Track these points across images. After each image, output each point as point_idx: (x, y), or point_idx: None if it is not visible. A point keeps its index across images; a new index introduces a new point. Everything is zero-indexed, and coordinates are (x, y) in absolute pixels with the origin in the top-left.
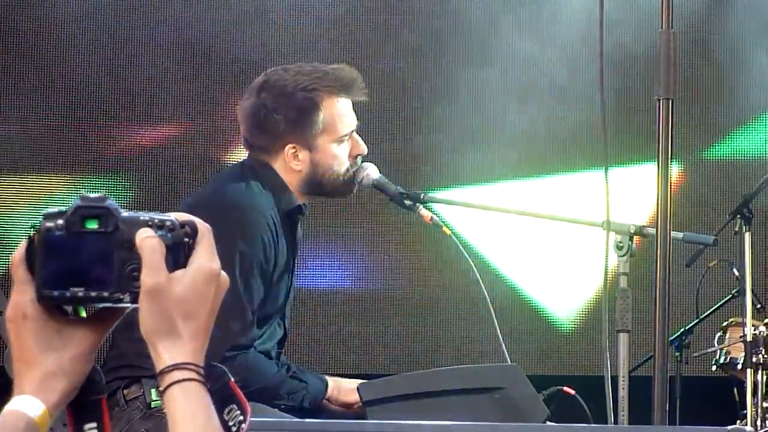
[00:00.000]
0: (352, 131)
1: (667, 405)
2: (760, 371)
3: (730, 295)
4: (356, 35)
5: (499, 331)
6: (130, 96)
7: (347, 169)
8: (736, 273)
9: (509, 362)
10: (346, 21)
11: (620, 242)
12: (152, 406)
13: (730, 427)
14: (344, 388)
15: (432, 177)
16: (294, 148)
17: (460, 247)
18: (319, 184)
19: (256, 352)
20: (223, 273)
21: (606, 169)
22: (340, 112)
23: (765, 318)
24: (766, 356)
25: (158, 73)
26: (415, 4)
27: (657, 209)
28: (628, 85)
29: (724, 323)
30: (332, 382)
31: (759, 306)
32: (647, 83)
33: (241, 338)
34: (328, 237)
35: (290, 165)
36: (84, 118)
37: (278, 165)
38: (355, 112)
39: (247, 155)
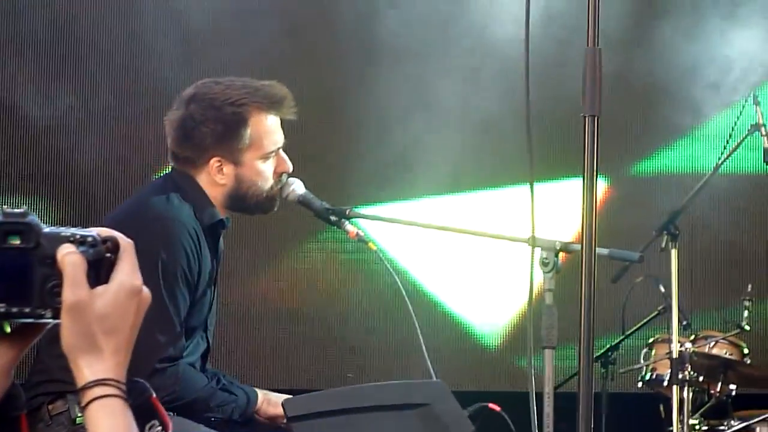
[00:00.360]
0: (279, 148)
1: (593, 422)
2: (686, 388)
3: (656, 312)
4: (284, 51)
5: (424, 347)
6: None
7: (271, 186)
8: (662, 289)
9: (434, 378)
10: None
11: (546, 258)
12: (77, 422)
13: None
14: (273, 401)
15: (358, 194)
16: (219, 161)
17: (385, 262)
18: (242, 199)
19: (186, 364)
20: (146, 288)
21: (531, 185)
22: (267, 129)
23: (691, 335)
24: (692, 373)
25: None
26: (340, 19)
27: (582, 225)
28: (554, 100)
29: (651, 339)
30: (261, 394)
31: (685, 323)
32: (574, 99)
33: (170, 349)
34: (253, 250)
35: (215, 178)
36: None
37: (202, 178)
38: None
39: (171, 167)
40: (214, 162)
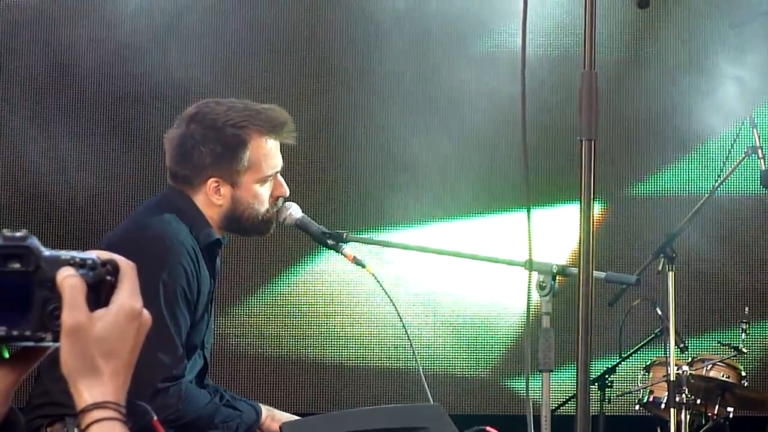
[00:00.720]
0: (277, 172)
1: None
2: (683, 411)
3: (653, 335)
4: (282, 74)
5: (421, 370)
6: None
7: (267, 209)
8: (659, 312)
9: (432, 402)
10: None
11: (543, 282)
12: None
13: None
14: (277, 418)
15: (356, 219)
16: (217, 182)
17: (382, 287)
18: (237, 221)
19: (188, 382)
20: (146, 311)
21: (528, 209)
22: (266, 153)
23: (688, 358)
24: (689, 396)
25: None
26: (337, 42)
27: (579, 249)
28: (551, 124)
29: (648, 362)
30: (266, 410)
31: (682, 345)
32: (571, 123)
33: (172, 369)
34: (246, 273)
35: (211, 199)
36: None
37: (199, 198)
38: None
39: (168, 187)
40: (211, 182)
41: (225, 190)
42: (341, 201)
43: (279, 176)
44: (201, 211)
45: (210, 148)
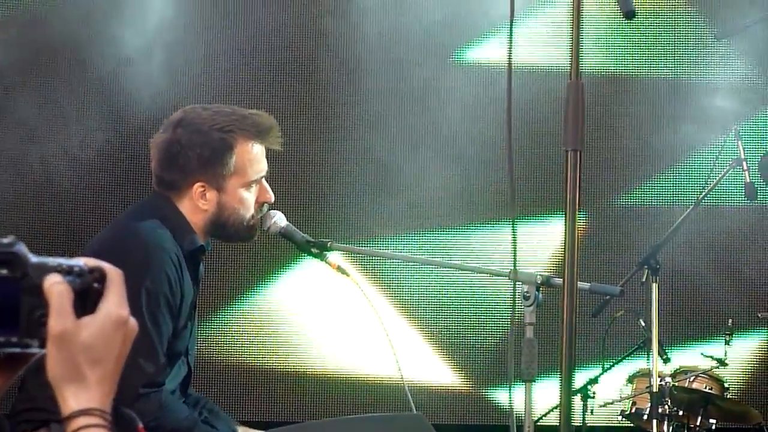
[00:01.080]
0: (262, 177)
1: None
2: (666, 422)
3: (636, 346)
4: (269, 84)
5: (404, 380)
6: None
7: (252, 215)
8: (642, 323)
9: (415, 411)
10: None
11: (527, 292)
12: None
13: None
14: None
15: (340, 228)
16: (203, 186)
17: (366, 296)
18: (222, 226)
19: (170, 392)
20: (132, 319)
21: (514, 220)
22: (252, 157)
23: (671, 369)
24: (672, 407)
25: None
26: (325, 54)
27: (564, 259)
28: (537, 135)
29: (631, 373)
30: (241, 429)
31: (665, 357)
32: (557, 134)
33: (154, 376)
34: (229, 280)
35: (197, 203)
36: None
37: (185, 203)
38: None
39: (153, 192)
40: (197, 187)
41: (211, 194)
42: (325, 210)
43: (264, 182)
44: (185, 217)
45: (196, 153)
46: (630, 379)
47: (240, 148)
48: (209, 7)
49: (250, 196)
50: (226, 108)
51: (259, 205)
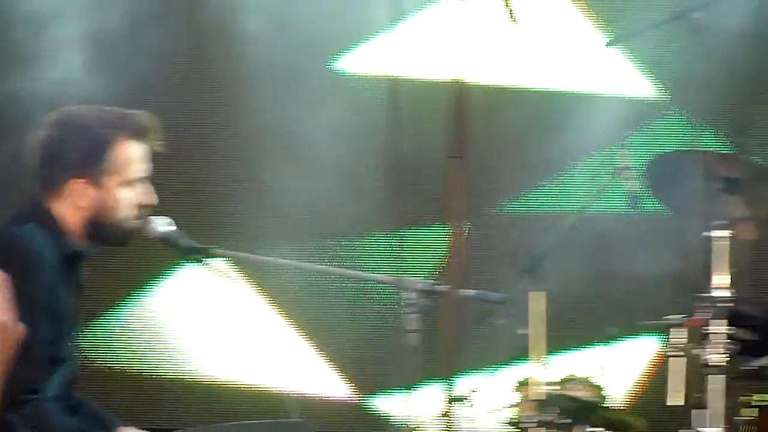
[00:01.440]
0: (142, 178)
1: None
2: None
3: (519, 353)
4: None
5: (288, 387)
6: None
7: (131, 217)
8: (526, 331)
9: (298, 418)
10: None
11: (410, 300)
12: None
13: None
14: None
15: (228, 236)
16: (81, 183)
17: (248, 301)
18: (101, 227)
19: (51, 399)
20: (16, 325)
21: (396, 228)
22: (131, 156)
23: (554, 377)
24: (556, 415)
25: None
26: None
27: (448, 267)
28: (422, 143)
29: (515, 381)
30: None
31: (548, 364)
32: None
33: (30, 383)
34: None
35: (76, 201)
36: None
37: (64, 203)
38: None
39: (33, 196)
40: (76, 183)
41: (89, 191)
42: (209, 217)
43: (147, 184)
44: (65, 219)
45: (76, 150)
46: (514, 387)
47: (119, 145)
48: None
49: (129, 195)
50: (107, 107)
51: (141, 207)
